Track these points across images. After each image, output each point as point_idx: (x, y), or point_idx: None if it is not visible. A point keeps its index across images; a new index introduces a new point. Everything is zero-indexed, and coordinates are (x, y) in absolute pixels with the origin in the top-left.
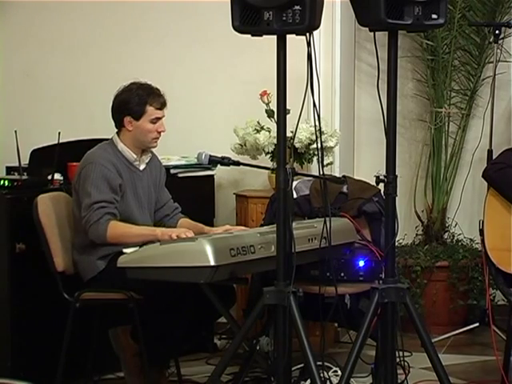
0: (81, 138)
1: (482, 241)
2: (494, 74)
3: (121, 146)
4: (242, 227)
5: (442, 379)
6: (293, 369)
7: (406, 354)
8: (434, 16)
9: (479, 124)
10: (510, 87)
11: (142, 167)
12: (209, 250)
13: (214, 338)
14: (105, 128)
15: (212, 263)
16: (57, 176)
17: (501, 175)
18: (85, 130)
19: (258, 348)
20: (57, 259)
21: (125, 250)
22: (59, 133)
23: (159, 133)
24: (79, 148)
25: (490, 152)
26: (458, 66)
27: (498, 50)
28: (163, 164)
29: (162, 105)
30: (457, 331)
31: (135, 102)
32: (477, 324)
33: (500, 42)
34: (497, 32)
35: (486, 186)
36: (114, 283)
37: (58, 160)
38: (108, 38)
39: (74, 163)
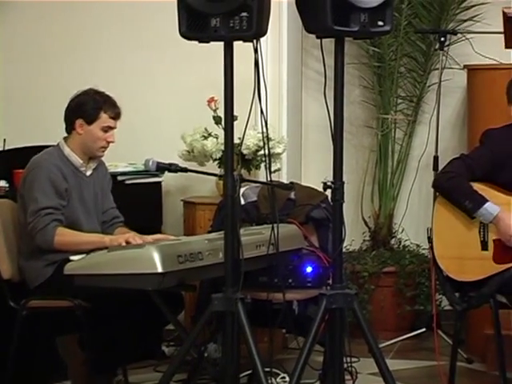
0: (27, 145)
1: (431, 248)
2: (440, 81)
3: (67, 150)
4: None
5: None
6: (241, 375)
7: (353, 359)
8: (380, 23)
9: (425, 130)
10: (455, 94)
11: (88, 173)
12: (156, 256)
13: (162, 345)
14: (53, 134)
15: (160, 270)
16: (2, 183)
17: (452, 184)
18: (31, 136)
19: (205, 355)
20: (2, 266)
21: (72, 257)
22: (4, 140)
23: (108, 143)
24: (26, 155)
25: (435, 158)
26: (404, 72)
27: (444, 57)
28: (110, 171)
29: (116, 115)
30: (404, 336)
31: (91, 105)
32: (424, 329)
33: (445, 49)
34: (442, 39)
35: (433, 192)
36: (61, 290)
37: (2, 167)
38: (53, 45)
39: (20, 170)
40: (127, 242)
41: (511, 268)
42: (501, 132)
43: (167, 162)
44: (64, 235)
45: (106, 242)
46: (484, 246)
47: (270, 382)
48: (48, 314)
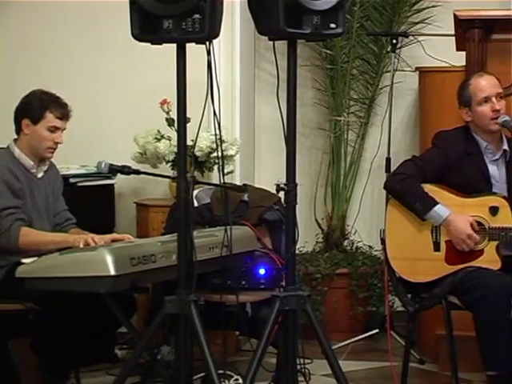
0: None
1: (384, 250)
2: (392, 83)
3: (17, 152)
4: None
5: None
6: (194, 378)
7: (306, 361)
8: (333, 25)
9: (377, 132)
10: (407, 96)
11: (39, 175)
12: (109, 259)
13: (115, 348)
14: (3, 137)
15: (112, 273)
16: None
17: (402, 186)
18: None
19: (159, 357)
20: None
21: (23, 260)
22: None
23: (56, 144)
24: None
25: (388, 160)
26: (357, 74)
27: (396, 60)
28: (62, 173)
29: (64, 116)
30: (357, 338)
31: (36, 105)
32: (376, 330)
33: (397, 51)
34: (394, 41)
35: (385, 194)
36: (12, 293)
37: None
38: (4, 46)
39: None
40: (86, 244)
41: (463, 269)
42: (452, 134)
43: (120, 164)
44: (28, 235)
45: (70, 242)
46: (436, 247)
47: None
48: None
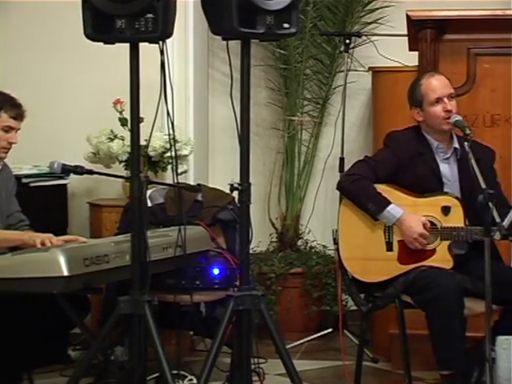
0: None
1: (337, 250)
2: (345, 83)
3: None
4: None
5: None
6: (148, 378)
7: (261, 360)
8: (286, 25)
9: (331, 132)
10: (360, 96)
11: None
12: (62, 260)
13: (68, 348)
14: None
15: (65, 273)
16: None
17: (355, 187)
18: None
19: (112, 358)
20: None
21: None
22: None
23: (10, 144)
24: None
25: (341, 160)
26: (310, 74)
27: (349, 60)
28: (14, 173)
29: (18, 116)
30: (311, 337)
31: None
32: (330, 329)
33: (350, 51)
34: (347, 41)
35: (339, 195)
36: None
37: None
38: None
39: None
40: (42, 244)
41: (416, 268)
42: (403, 134)
43: (73, 164)
44: None
45: (26, 240)
46: (389, 247)
47: None
48: None
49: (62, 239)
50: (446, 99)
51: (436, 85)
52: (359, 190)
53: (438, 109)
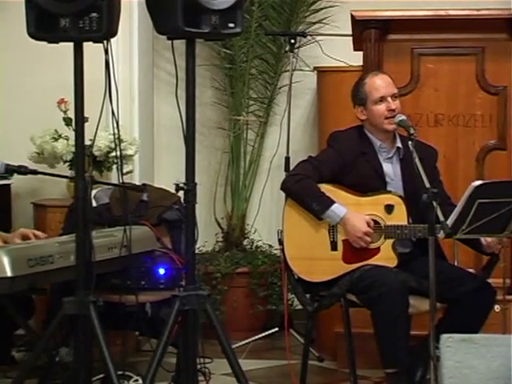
0: None
1: (282, 250)
2: (290, 83)
3: None
4: (39, 233)
5: None
6: (93, 379)
7: (206, 360)
8: (231, 25)
9: (276, 132)
10: (305, 95)
11: None
12: (5, 260)
13: (12, 350)
14: None
15: (9, 274)
16: None
17: (299, 187)
18: None
19: (57, 359)
20: None
21: None
22: None
23: None
24: None
25: (287, 159)
26: (256, 74)
27: (294, 59)
28: None
29: None
30: (257, 336)
31: None
32: (276, 329)
33: (295, 51)
34: (292, 41)
35: (285, 195)
36: None
37: None
38: None
39: None
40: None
41: (360, 267)
42: (346, 134)
43: (16, 164)
44: None
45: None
46: (333, 247)
47: None
48: None
49: (19, 233)
50: (389, 98)
51: (380, 84)
52: (303, 189)
53: (381, 108)
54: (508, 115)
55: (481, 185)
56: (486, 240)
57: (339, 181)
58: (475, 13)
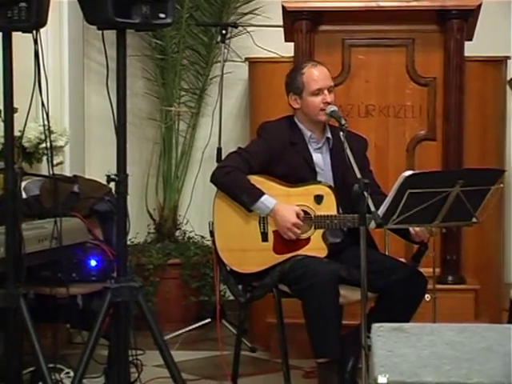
0: None
1: (213, 242)
2: (222, 74)
3: None
4: None
5: (175, 376)
6: (24, 372)
7: (139, 352)
8: (162, 15)
9: (208, 122)
10: (237, 86)
11: None
12: None
13: None
14: None
15: None
16: None
17: (228, 179)
18: None
19: None
20: None
21: None
22: None
23: None
24: None
25: (219, 150)
26: (187, 65)
27: (226, 50)
28: None
29: None
30: (189, 327)
31: None
32: (209, 320)
33: (227, 41)
34: (224, 32)
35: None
36: None
37: None
38: None
39: None
40: None
41: (291, 258)
42: (276, 124)
43: None
44: None
45: None
46: (264, 238)
47: (53, 377)
48: None
49: None
50: (326, 91)
51: (318, 75)
52: (232, 181)
53: (317, 99)
54: (437, 106)
55: (411, 175)
56: (414, 229)
57: (269, 171)
58: (405, 4)
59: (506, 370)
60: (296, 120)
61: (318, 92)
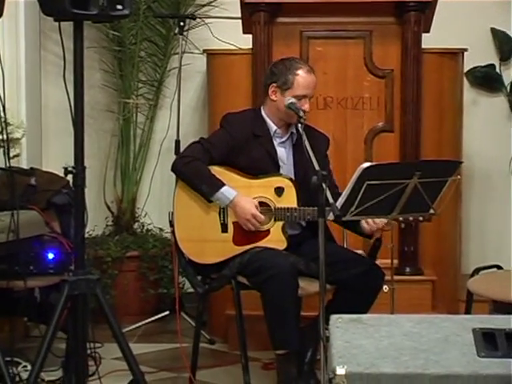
0: None
1: (173, 232)
2: (180, 65)
3: None
4: None
5: (133, 368)
6: None
7: (97, 345)
8: (119, 7)
9: (166, 115)
10: (195, 78)
11: None
12: None
13: None
14: None
15: None
16: None
17: (189, 169)
18: None
19: None
20: None
21: None
22: None
23: None
24: None
25: (177, 142)
26: (145, 57)
27: (184, 42)
28: None
29: None
30: (148, 320)
31: None
32: (167, 312)
33: (185, 33)
34: (181, 24)
35: (175, 178)
36: None
37: None
38: None
39: None
40: None
41: (250, 250)
42: (240, 116)
43: None
44: None
45: None
46: (224, 229)
47: (11, 371)
48: None
49: None
50: (307, 99)
51: (309, 83)
52: (192, 171)
53: (297, 103)
54: (395, 98)
55: (369, 167)
56: (366, 221)
57: (231, 163)
58: None
59: (463, 360)
60: (263, 113)
61: (301, 98)
